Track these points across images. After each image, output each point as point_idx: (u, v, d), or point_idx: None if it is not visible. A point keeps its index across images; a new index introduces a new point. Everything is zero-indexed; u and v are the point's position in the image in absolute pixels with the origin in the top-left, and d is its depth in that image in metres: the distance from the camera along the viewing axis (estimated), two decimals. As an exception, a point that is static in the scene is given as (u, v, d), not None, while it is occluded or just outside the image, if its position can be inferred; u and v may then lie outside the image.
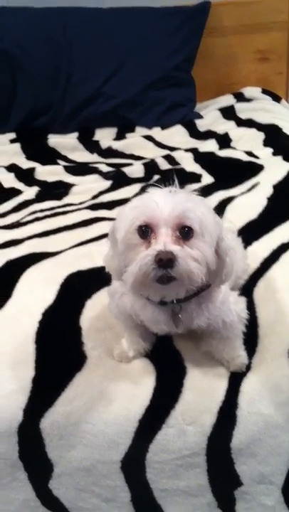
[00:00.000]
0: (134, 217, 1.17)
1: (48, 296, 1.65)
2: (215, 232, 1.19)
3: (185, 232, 1.15)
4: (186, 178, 2.37)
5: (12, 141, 2.92)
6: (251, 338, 1.47)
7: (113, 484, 1.33)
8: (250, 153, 2.55)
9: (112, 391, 1.38)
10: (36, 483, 1.36)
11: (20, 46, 2.88)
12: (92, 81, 2.92)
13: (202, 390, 1.36)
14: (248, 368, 1.40)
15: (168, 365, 1.44)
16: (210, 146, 2.69)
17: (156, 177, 2.43)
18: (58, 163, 2.72)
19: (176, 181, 1.24)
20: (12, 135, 2.96)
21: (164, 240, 1.13)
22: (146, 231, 1.16)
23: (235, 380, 1.38)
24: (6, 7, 2.93)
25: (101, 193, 2.35)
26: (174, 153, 2.64)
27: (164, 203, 1.16)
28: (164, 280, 1.12)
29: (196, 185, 2.30)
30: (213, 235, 1.18)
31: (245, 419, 1.31)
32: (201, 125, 2.94)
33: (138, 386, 1.39)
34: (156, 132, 2.91)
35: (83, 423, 1.33)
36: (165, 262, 1.10)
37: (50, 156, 2.79)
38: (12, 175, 2.57)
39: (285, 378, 1.37)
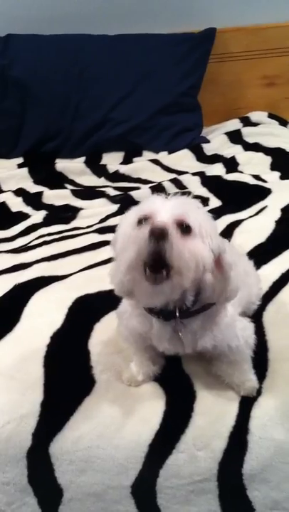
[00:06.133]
0: (135, 215, 1.14)
1: (56, 319, 1.65)
2: (215, 238, 1.16)
3: (183, 229, 1.10)
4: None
5: (19, 165, 2.94)
6: (261, 362, 1.45)
7: (124, 510, 1.31)
8: (257, 177, 2.56)
9: (122, 415, 1.37)
10: (46, 509, 1.34)
11: (32, 74, 2.90)
12: (101, 107, 2.94)
13: (212, 415, 1.35)
14: (259, 392, 1.39)
15: (177, 389, 1.42)
16: (217, 169, 2.70)
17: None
18: (65, 187, 2.72)
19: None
20: (19, 160, 2.99)
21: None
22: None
23: (246, 404, 1.36)
24: (16, 34, 2.95)
25: (108, 216, 2.35)
26: (181, 177, 2.64)
27: (165, 202, 1.15)
28: (156, 264, 1.05)
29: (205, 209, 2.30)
30: (213, 240, 1.15)
31: (257, 444, 1.30)
32: (208, 149, 2.95)
33: (148, 410, 1.38)
34: (164, 156, 2.92)
35: (93, 448, 1.32)
36: (158, 232, 1.04)
37: (58, 180, 2.80)
38: (20, 199, 2.58)
39: (297, 403, 1.35)
